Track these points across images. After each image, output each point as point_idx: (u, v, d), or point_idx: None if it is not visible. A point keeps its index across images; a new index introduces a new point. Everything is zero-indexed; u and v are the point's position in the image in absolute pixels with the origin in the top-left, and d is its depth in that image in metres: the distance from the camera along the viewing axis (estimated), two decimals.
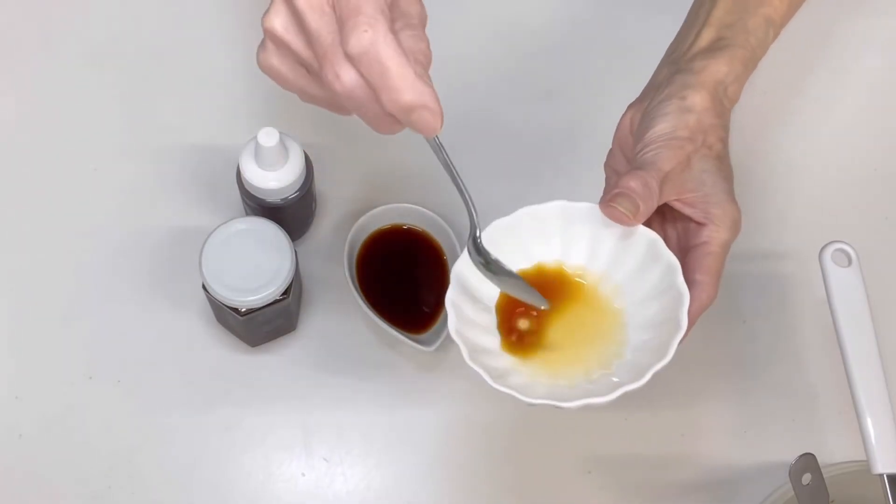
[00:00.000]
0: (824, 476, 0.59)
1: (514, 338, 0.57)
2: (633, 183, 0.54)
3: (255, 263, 0.63)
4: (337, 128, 0.76)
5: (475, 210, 0.54)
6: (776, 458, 0.71)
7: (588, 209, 0.56)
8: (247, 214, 0.70)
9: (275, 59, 0.51)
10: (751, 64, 0.62)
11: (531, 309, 0.57)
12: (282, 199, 0.67)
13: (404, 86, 0.47)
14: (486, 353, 0.55)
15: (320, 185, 0.74)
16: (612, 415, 0.72)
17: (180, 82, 0.79)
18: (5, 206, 0.75)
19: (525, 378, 0.55)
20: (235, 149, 0.67)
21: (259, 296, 0.63)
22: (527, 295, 0.56)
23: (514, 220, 0.57)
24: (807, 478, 0.59)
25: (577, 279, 0.58)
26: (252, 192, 0.67)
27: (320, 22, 0.48)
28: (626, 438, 0.73)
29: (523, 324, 0.57)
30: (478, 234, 0.55)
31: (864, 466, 0.58)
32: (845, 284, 0.61)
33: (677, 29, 0.66)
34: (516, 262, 0.57)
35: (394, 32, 0.47)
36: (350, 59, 0.47)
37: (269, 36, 0.50)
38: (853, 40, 0.85)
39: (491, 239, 0.56)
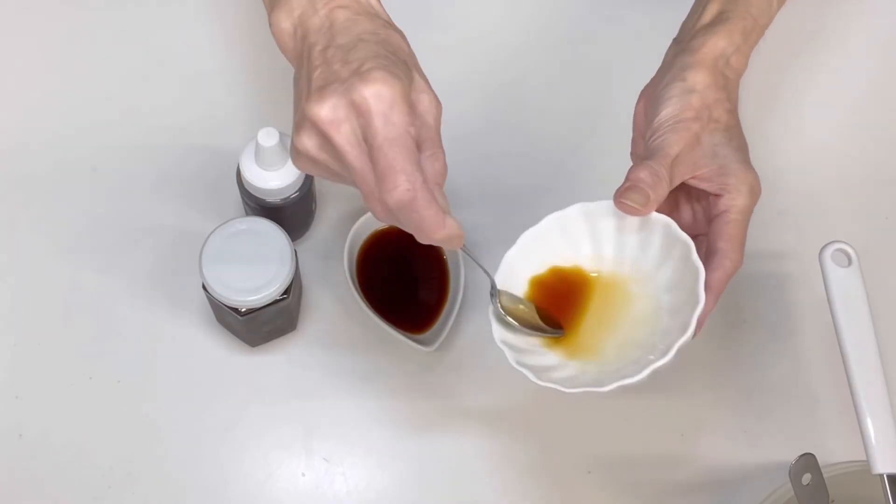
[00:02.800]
0: (824, 476, 0.59)
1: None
2: (641, 174, 0.57)
3: (255, 263, 0.63)
4: None
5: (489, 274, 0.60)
6: (776, 458, 0.71)
7: (606, 205, 0.59)
8: (247, 214, 0.70)
9: (309, 166, 0.55)
10: (753, 34, 0.63)
11: (569, 307, 0.62)
12: (282, 199, 0.67)
13: (436, 227, 0.52)
14: (527, 353, 0.60)
15: (320, 185, 0.74)
16: (612, 415, 0.72)
17: (180, 82, 0.79)
18: (5, 205, 0.75)
19: (569, 371, 0.59)
20: (235, 149, 0.67)
21: (259, 296, 0.63)
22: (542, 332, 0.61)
23: (542, 229, 0.61)
24: (807, 478, 0.59)
25: (608, 274, 0.62)
26: (252, 192, 0.67)
27: (357, 159, 0.51)
28: (626, 438, 0.73)
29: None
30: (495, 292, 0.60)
31: (864, 466, 0.58)
32: (845, 284, 0.61)
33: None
34: (553, 261, 0.62)
35: (427, 181, 0.52)
36: (387, 207, 0.51)
37: (302, 152, 0.53)
38: (853, 40, 0.85)
39: (524, 248, 0.61)
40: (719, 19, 0.62)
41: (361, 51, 0.52)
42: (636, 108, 0.63)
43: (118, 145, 0.77)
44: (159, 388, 0.71)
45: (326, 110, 0.51)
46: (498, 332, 0.60)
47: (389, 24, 0.56)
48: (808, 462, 0.59)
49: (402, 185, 0.50)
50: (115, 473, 0.69)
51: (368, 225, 0.73)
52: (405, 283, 0.74)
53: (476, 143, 0.78)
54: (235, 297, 0.63)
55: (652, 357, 0.56)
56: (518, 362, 0.58)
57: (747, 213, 0.59)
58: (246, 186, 0.67)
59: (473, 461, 0.71)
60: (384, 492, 0.70)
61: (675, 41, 0.65)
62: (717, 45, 0.61)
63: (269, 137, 0.63)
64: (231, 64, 0.80)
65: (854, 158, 0.82)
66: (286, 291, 0.64)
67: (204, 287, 0.64)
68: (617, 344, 0.60)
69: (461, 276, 0.71)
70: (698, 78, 0.60)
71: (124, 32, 0.80)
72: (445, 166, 0.54)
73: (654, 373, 0.55)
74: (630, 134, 0.65)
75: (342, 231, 0.73)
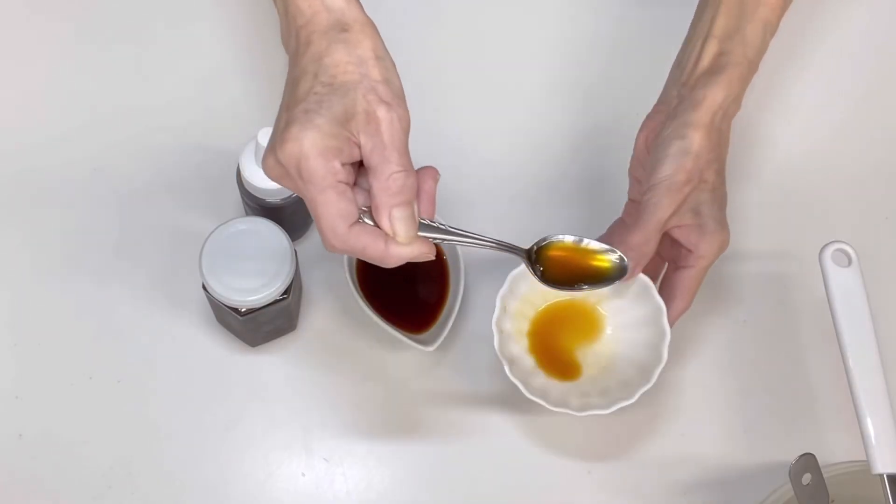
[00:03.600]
0: (824, 476, 0.59)
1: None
2: (636, 239, 0.63)
3: (255, 263, 0.63)
4: None
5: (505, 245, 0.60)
6: (776, 458, 0.71)
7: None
8: (247, 214, 0.70)
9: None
10: (749, 75, 0.67)
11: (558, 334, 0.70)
12: (282, 199, 0.67)
13: (385, 259, 0.55)
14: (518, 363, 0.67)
15: None
16: (613, 415, 0.72)
17: (181, 82, 0.79)
18: (5, 205, 0.75)
19: (554, 390, 0.67)
20: (235, 149, 0.67)
21: (259, 296, 0.63)
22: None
23: (524, 270, 0.63)
24: (807, 478, 0.59)
25: (591, 308, 0.70)
26: (252, 192, 0.67)
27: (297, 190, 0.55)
28: (626, 438, 0.73)
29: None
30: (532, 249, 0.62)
31: (864, 466, 0.58)
32: (845, 284, 0.61)
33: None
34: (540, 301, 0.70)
35: (359, 214, 0.55)
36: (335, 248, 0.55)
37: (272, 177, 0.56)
38: (853, 40, 0.85)
39: (515, 280, 0.67)
40: (718, 65, 0.65)
41: (299, 90, 0.55)
42: (638, 138, 0.68)
43: (118, 145, 0.77)
44: (159, 388, 0.71)
45: (269, 167, 0.55)
46: (497, 341, 0.66)
47: (345, 27, 0.56)
48: (808, 462, 0.59)
49: (329, 246, 0.55)
50: (115, 473, 0.69)
51: None
52: (405, 283, 0.74)
53: (479, 144, 0.79)
54: (235, 297, 0.63)
55: (619, 395, 0.65)
56: (511, 372, 0.65)
57: (709, 266, 0.66)
58: (246, 186, 0.67)
59: (473, 461, 0.71)
60: (384, 492, 0.70)
61: (679, 83, 0.67)
62: (716, 98, 0.64)
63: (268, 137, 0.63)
64: (231, 64, 0.79)
65: (854, 158, 0.82)
66: (286, 291, 0.64)
67: (204, 287, 0.64)
68: (591, 376, 0.69)
69: (461, 276, 0.71)
70: (696, 139, 0.63)
71: (125, 32, 0.80)
72: (409, 181, 0.54)
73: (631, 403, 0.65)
74: (630, 135, 0.67)
75: None
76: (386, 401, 0.72)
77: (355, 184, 0.56)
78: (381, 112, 0.54)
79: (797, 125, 0.82)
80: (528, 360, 0.68)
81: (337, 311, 0.74)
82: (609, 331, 0.70)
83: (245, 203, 0.71)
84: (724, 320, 0.76)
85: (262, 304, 0.64)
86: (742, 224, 0.76)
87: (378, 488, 0.70)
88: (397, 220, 0.54)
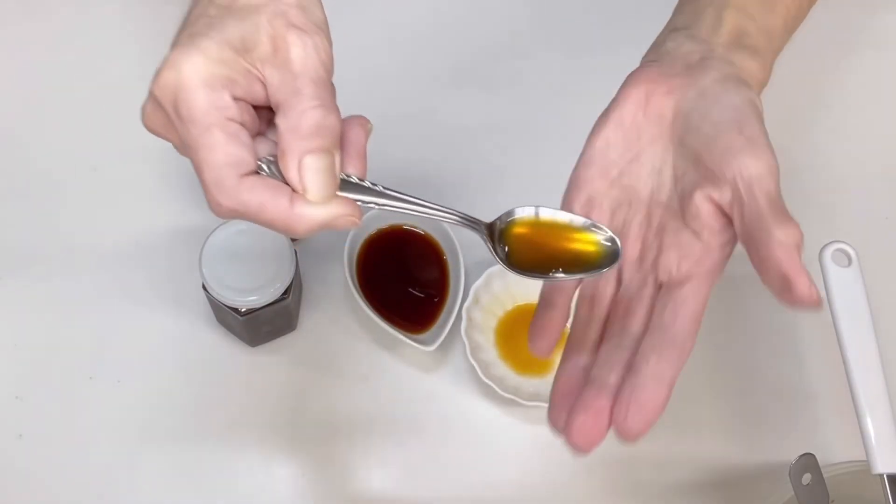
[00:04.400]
0: (824, 476, 0.59)
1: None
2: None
3: (255, 263, 0.63)
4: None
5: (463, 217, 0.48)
6: (776, 458, 0.71)
7: None
8: None
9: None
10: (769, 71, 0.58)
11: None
12: None
13: (301, 220, 0.43)
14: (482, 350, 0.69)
15: None
16: None
17: None
18: (5, 205, 0.75)
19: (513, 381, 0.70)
20: None
21: (259, 296, 0.63)
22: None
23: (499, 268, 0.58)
24: (807, 478, 0.59)
25: None
26: None
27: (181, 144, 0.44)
28: None
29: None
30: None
31: (864, 466, 0.58)
32: (845, 284, 0.61)
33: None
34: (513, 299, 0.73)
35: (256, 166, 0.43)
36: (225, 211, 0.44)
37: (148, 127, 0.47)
38: (852, 40, 0.85)
39: (488, 281, 0.70)
40: (744, 44, 0.56)
41: (190, 17, 0.45)
42: (598, 137, 0.52)
43: (118, 145, 0.77)
44: (159, 388, 0.71)
45: (146, 115, 0.45)
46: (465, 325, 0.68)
47: None
48: (808, 462, 0.59)
49: (215, 205, 0.44)
50: (114, 473, 0.69)
51: (368, 225, 0.73)
52: (405, 283, 0.74)
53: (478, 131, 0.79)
54: (235, 297, 0.63)
55: None
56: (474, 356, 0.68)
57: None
58: None
59: (473, 460, 0.71)
60: (384, 492, 0.70)
61: (694, 40, 0.55)
62: (754, 73, 0.56)
63: None
64: None
65: (854, 158, 0.82)
66: (286, 291, 0.64)
67: (204, 287, 0.64)
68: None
69: (461, 276, 0.71)
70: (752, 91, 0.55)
71: (125, 32, 0.80)
72: (329, 121, 0.43)
73: None
74: None
75: (342, 231, 0.73)
76: (385, 401, 0.72)
77: (261, 135, 0.45)
78: (292, 37, 0.42)
79: (797, 125, 0.82)
80: (493, 352, 0.70)
81: (337, 311, 0.74)
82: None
83: None
84: (724, 320, 0.76)
85: (262, 304, 0.64)
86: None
87: (378, 488, 0.70)
88: (310, 171, 0.42)
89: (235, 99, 0.43)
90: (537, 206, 0.47)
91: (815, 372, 0.75)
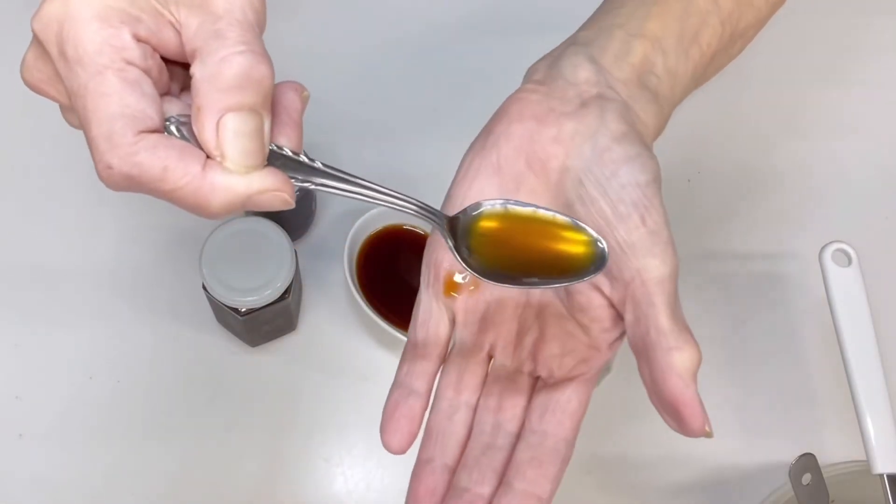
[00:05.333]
0: (824, 476, 0.59)
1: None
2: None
3: (255, 263, 0.63)
4: (337, 127, 0.76)
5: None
6: (776, 458, 0.71)
7: None
8: (247, 214, 0.70)
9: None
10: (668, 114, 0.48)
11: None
12: None
13: (214, 191, 0.35)
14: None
15: None
16: (612, 415, 0.72)
17: None
18: (5, 205, 0.75)
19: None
20: None
21: (259, 296, 0.63)
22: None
23: None
24: (807, 478, 0.59)
25: None
26: None
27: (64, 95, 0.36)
28: (626, 438, 0.73)
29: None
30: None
31: (864, 466, 0.58)
32: (845, 284, 0.61)
33: None
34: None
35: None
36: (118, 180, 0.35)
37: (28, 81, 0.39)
38: (852, 40, 0.85)
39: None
40: (647, 82, 0.47)
41: None
42: (470, 185, 0.45)
43: None
44: (159, 388, 0.71)
45: (25, 65, 0.38)
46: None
47: None
48: (808, 462, 0.59)
49: (103, 166, 0.34)
50: (114, 473, 0.69)
51: (368, 225, 0.73)
52: (405, 283, 0.74)
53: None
54: (235, 297, 0.63)
55: None
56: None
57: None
58: None
59: None
60: (384, 492, 0.70)
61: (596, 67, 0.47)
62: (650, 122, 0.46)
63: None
64: None
65: (854, 158, 0.82)
66: (286, 291, 0.64)
67: (204, 287, 0.64)
68: None
69: None
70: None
71: None
72: (258, 71, 0.34)
73: None
74: None
75: (342, 231, 0.73)
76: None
77: (172, 95, 0.37)
78: None
79: (797, 125, 0.82)
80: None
81: (337, 311, 0.74)
82: None
83: None
84: (724, 320, 0.76)
85: (262, 305, 0.64)
86: (742, 224, 0.76)
87: (378, 488, 0.70)
88: (230, 132, 0.34)
89: (138, 40, 0.35)
90: (507, 200, 0.41)
91: (815, 372, 0.75)
